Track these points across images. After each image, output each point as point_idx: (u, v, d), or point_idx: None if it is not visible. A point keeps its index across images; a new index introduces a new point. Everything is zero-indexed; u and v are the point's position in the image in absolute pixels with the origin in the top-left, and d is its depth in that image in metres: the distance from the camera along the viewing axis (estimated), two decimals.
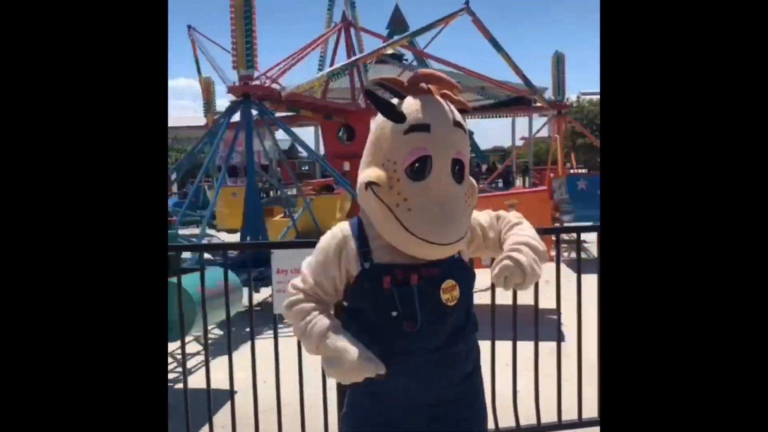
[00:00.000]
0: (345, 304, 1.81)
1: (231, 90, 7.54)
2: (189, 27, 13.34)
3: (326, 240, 1.81)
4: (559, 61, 13.66)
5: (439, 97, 1.68)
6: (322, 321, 1.74)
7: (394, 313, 1.69)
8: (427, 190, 1.62)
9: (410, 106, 1.67)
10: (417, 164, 1.62)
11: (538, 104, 14.09)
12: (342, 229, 1.80)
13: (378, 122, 1.73)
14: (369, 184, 1.65)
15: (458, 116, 1.68)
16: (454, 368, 1.78)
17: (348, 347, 1.66)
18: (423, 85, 1.69)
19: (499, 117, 18.30)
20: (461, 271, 1.78)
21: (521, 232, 1.80)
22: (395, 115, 1.67)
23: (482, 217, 1.89)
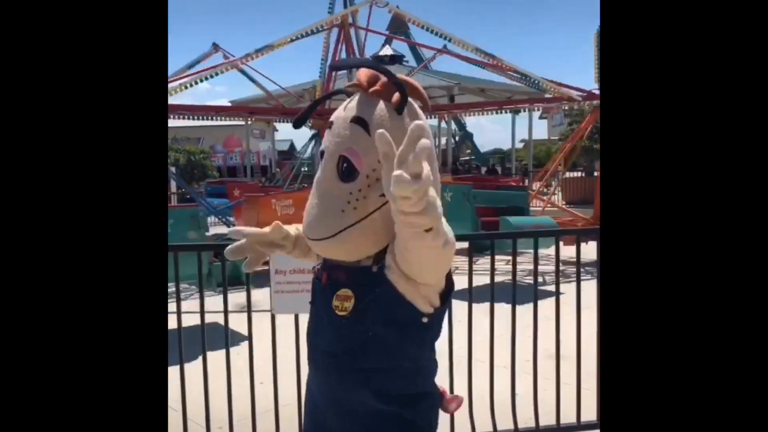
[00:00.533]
0: None
1: None
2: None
3: None
4: None
5: (360, 95, 1.60)
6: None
7: (310, 301, 1.75)
8: (316, 182, 1.63)
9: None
10: (320, 157, 1.65)
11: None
12: None
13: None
14: None
15: (365, 113, 1.58)
16: (349, 385, 1.64)
17: None
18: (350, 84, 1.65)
19: (504, 112, 17.26)
20: (369, 285, 1.60)
21: None
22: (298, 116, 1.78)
23: None
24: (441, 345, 1.86)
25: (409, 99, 1.59)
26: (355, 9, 14.23)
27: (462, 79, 25.55)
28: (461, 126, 32.48)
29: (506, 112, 17.18)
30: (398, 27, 25.51)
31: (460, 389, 3.13)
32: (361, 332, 1.61)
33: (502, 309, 3.35)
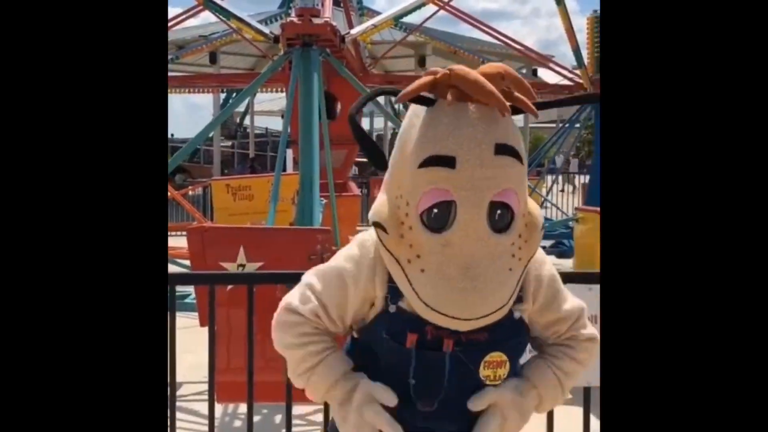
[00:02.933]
0: (355, 335, 1.41)
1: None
2: None
3: (357, 250, 1.35)
4: (599, 24, 9.68)
5: (479, 107, 1.19)
6: (363, 384, 1.31)
7: (413, 382, 1.28)
8: (447, 247, 1.18)
9: (430, 124, 1.21)
10: (436, 210, 1.19)
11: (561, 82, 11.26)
12: (376, 242, 1.29)
13: (405, 122, 1.29)
14: (375, 225, 1.25)
15: (508, 136, 1.20)
16: None
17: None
18: (451, 93, 1.19)
19: None
20: (517, 338, 1.33)
21: (570, 365, 1.39)
22: (378, 161, 1.30)
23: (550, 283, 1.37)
24: None
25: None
26: None
27: (435, 34, 17.07)
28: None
29: None
30: None
31: None
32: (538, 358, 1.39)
33: None
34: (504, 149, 1.18)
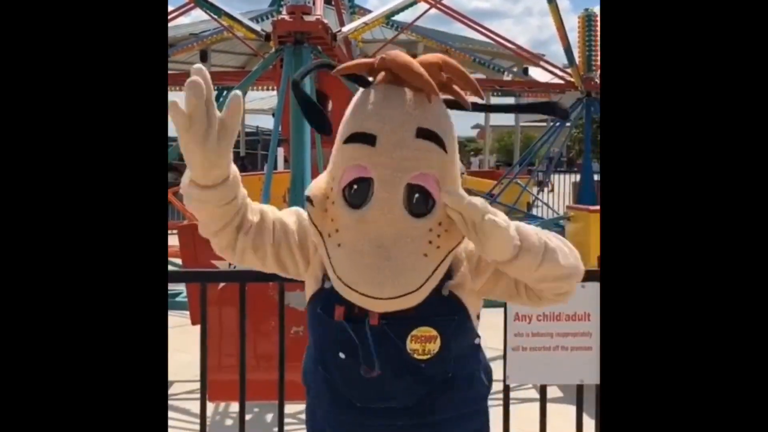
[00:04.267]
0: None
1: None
2: None
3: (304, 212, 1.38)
4: (590, 23, 9.86)
5: (409, 93, 1.23)
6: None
7: (342, 356, 1.31)
8: (362, 223, 1.21)
9: (361, 104, 1.26)
10: (355, 186, 1.23)
11: (554, 80, 11.08)
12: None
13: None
14: (306, 198, 1.28)
15: (431, 121, 1.23)
16: None
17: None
18: (382, 74, 1.25)
19: (498, 95, 16.06)
20: (447, 314, 1.32)
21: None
22: (320, 122, 1.31)
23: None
24: None
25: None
26: None
27: (426, 33, 16.96)
28: None
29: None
30: None
31: None
32: (441, 374, 1.33)
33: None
34: (426, 134, 1.21)
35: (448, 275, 1.31)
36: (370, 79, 1.28)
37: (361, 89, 1.29)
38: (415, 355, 1.30)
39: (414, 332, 1.29)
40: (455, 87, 1.24)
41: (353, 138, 1.23)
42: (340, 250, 1.23)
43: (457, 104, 1.28)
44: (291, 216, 1.42)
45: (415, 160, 1.21)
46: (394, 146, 1.20)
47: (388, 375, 1.30)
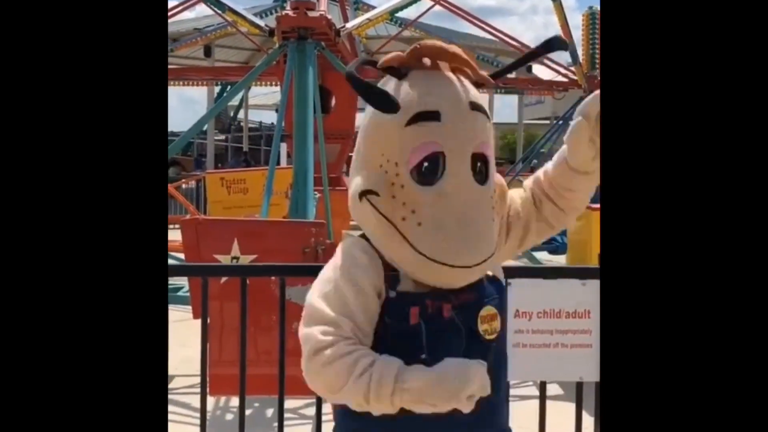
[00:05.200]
0: None
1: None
2: None
3: (352, 255, 1.35)
4: (594, 21, 10.13)
5: (450, 74, 1.31)
6: (385, 362, 1.23)
7: (424, 356, 1.27)
8: (441, 197, 1.26)
9: (411, 88, 1.29)
10: (426, 164, 1.26)
11: (558, 78, 11.40)
12: (358, 243, 1.37)
13: (370, 111, 1.36)
14: (364, 194, 1.29)
15: (477, 96, 1.33)
16: (494, 424, 1.39)
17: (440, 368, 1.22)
18: (426, 60, 1.32)
19: (502, 93, 15.76)
20: (500, 294, 1.40)
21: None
22: (387, 102, 1.27)
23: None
24: None
25: None
26: None
27: (430, 30, 16.83)
28: None
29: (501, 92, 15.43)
30: None
31: None
32: (503, 352, 1.41)
33: None
34: (477, 107, 1.31)
35: None
36: (401, 70, 1.34)
37: (395, 79, 1.34)
38: (486, 336, 1.34)
39: (482, 313, 1.34)
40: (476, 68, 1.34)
41: (417, 117, 1.27)
42: (422, 229, 1.26)
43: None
44: (351, 293, 1.31)
45: (476, 131, 1.30)
46: (458, 119, 1.27)
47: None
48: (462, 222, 1.26)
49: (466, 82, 1.33)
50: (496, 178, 1.35)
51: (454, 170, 1.26)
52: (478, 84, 1.36)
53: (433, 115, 1.26)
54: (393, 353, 1.26)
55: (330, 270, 1.35)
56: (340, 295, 1.29)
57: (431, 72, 1.31)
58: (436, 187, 1.26)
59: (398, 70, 1.33)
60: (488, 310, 1.35)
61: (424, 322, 1.29)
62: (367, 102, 1.30)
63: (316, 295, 1.32)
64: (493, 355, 1.36)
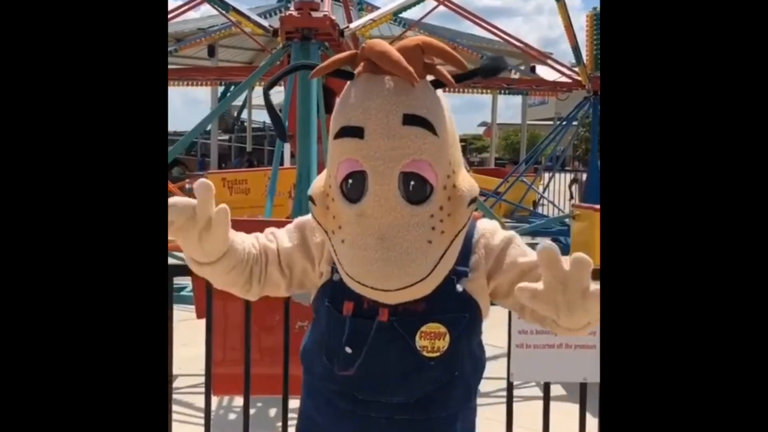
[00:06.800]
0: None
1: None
2: None
3: (305, 219, 1.43)
4: (598, 22, 9.66)
5: (390, 80, 1.20)
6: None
7: (349, 350, 1.30)
8: (362, 216, 1.20)
9: (345, 97, 1.24)
10: (350, 181, 1.22)
11: (561, 78, 11.10)
12: None
13: None
14: (309, 198, 1.30)
15: (417, 106, 1.20)
16: None
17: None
18: (360, 66, 1.23)
19: (506, 93, 15.73)
20: (457, 310, 1.32)
21: None
22: (277, 129, 1.42)
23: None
24: None
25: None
26: None
27: (434, 30, 16.26)
28: None
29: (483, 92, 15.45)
30: None
31: None
32: (448, 373, 1.32)
33: None
34: (413, 120, 1.19)
35: (464, 270, 1.31)
36: (352, 71, 1.26)
37: (348, 82, 1.26)
38: (424, 352, 1.29)
39: (423, 328, 1.28)
40: (438, 67, 1.23)
41: (342, 132, 1.22)
42: (345, 246, 1.22)
43: (442, 83, 1.26)
44: (290, 233, 1.44)
45: (404, 148, 1.19)
46: (382, 136, 1.18)
47: (395, 371, 1.29)
48: (382, 245, 1.18)
49: (414, 89, 1.20)
50: (455, 191, 1.23)
51: (376, 191, 1.19)
52: (440, 84, 1.25)
53: (356, 131, 1.19)
54: (327, 336, 1.34)
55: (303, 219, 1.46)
56: (287, 229, 1.44)
57: (372, 77, 1.21)
58: (358, 206, 1.21)
59: (348, 72, 1.25)
60: (434, 327, 1.28)
61: (355, 318, 1.29)
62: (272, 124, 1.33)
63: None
64: (435, 373, 1.31)
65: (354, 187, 1.21)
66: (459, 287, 1.30)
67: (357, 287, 1.23)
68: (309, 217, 1.39)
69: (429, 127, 1.20)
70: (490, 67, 1.25)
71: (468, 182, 1.28)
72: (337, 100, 1.28)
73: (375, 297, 1.23)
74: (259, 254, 1.40)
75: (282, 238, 1.43)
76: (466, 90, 13.36)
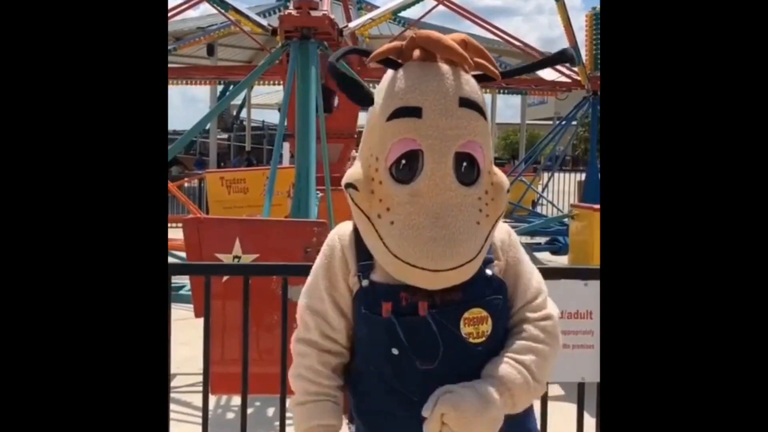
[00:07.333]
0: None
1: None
2: None
3: (329, 245, 1.42)
4: (597, 22, 9.77)
5: (444, 66, 1.26)
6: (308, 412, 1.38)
7: (395, 351, 1.29)
8: (416, 196, 1.22)
9: (399, 81, 1.26)
10: (404, 161, 1.23)
11: (560, 78, 11.05)
12: (339, 233, 1.42)
13: (376, 99, 1.34)
14: (347, 186, 1.30)
15: (471, 91, 1.26)
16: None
17: None
18: (416, 52, 1.28)
19: (505, 93, 15.64)
20: (493, 295, 1.33)
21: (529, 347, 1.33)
22: (359, 94, 1.31)
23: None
24: None
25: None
26: None
27: (433, 29, 17.42)
28: None
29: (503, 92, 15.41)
30: None
31: None
32: (495, 355, 1.32)
33: None
34: (468, 103, 1.24)
35: (489, 256, 1.33)
36: (399, 61, 1.30)
37: (390, 71, 1.30)
38: (470, 339, 1.29)
39: (466, 315, 1.29)
40: (479, 60, 1.27)
41: (398, 113, 1.24)
42: (395, 228, 1.22)
43: (481, 79, 1.31)
44: (317, 291, 1.41)
45: (461, 128, 1.23)
46: (441, 115, 1.22)
47: (446, 364, 1.28)
48: (436, 224, 1.20)
49: (464, 76, 1.27)
50: (495, 178, 1.29)
51: (432, 169, 1.22)
52: (484, 78, 1.30)
53: (414, 111, 1.22)
54: (370, 343, 1.34)
55: (318, 257, 1.43)
56: (316, 288, 1.40)
57: (425, 64, 1.26)
58: (411, 186, 1.22)
59: (394, 62, 1.29)
60: (475, 312, 1.29)
61: (397, 317, 1.28)
62: (343, 93, 1.30)
63: (305, 286, 1.44)
64: (482, 360, 1.31)
65: (407, 167, 1.23)
66: (488, 272, 1.33)
67: (403, 271, 1.24)
68: (325, 243, 1.42)
69: (481, 112, 1.26)
70: (557, 58, 1.38)
71: (501, 173, 1.33)
72: (381, 87, 1.31)
73: (420, 280, 1.24)
74: (332, 372, 1.41)
75: (320, 319, 1.40)
76: None
